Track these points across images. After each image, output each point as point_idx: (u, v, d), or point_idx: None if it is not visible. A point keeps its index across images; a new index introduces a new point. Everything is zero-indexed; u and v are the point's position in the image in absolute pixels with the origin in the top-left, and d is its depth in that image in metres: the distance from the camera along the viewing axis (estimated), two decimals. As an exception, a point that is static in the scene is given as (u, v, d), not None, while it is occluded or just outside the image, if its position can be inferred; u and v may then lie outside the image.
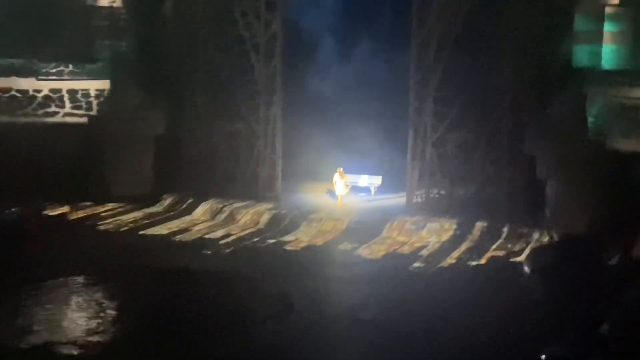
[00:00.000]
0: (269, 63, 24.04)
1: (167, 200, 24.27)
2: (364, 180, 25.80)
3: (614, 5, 19.90)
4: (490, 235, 20.83)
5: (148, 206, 23.84)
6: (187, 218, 23.04)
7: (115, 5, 24.35)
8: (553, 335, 13.23)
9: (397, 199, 24.58)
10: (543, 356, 12.23)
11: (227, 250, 19.90)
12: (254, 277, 17.35)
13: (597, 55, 20.24)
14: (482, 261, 18.93)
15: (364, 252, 19.89)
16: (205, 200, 23.98)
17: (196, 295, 16.02)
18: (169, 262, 18.37)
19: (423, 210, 22.85)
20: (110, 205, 23.62)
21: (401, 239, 21.01)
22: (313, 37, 26.84)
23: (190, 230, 21.77)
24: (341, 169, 24.62)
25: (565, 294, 14.95)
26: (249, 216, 22.92)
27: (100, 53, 24.36)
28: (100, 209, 23.34)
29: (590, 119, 20.44)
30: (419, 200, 23.42)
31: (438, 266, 18.65)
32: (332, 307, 15.57)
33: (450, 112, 22.74)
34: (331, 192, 25.14)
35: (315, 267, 18.46)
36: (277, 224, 22.39)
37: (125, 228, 21.74)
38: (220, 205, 23.62)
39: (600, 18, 20.19)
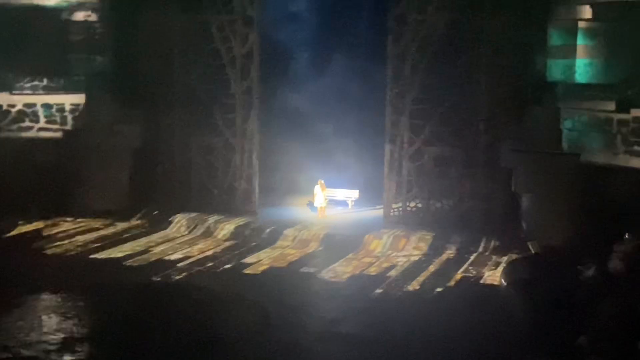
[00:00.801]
0: (245, 77, 24.03)
1: (141, 215, 24.10)
2: (341, 193, 25.84)
3: (587, 20, 20.14)
4: (465, 251, 20.88)
5: (122, 221, 23.65)
6: (155, 236, 22.45)
7: (90, 19, 24.25)
8: (531, 349, 13.27)
9: (375, 212, 24.64)
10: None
11: (178, 277, 18.54)
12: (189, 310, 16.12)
13: (571, 69, 20.47)
14: (452, 283, 18.27)
15: (327, 274, 18.90)
16: (181, 214, 23.84)
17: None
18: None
19: (400, 224, 22.91)
20: (78, 222, 23.36)
21: (367, 260, 20.23)
22: (290, 52, 26.87)
23: (150, 251, 20.71)
24: (322, 181, 24.72)
25: (542, 307, 14.99)
26: (224, 231, 22.81)
27: (75, 67, 24.24)
28: (66, 226, 23.02)
29: (564, 133, 20.66)
30: (396, 213, 23.49)
31: (403, 290, 17.69)
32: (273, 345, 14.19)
33: (427, 126, 22.86)
34: (311, 205, 25.19)
35: (270, 292, 17.24)
36: (253, 239, 22.28)
37: (76, 250, 20.76)
38: (196, 220, 23.51)
39: (573, 33, 20.43)
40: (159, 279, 18.30)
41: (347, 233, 22.37)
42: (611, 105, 19.37)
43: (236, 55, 23.98)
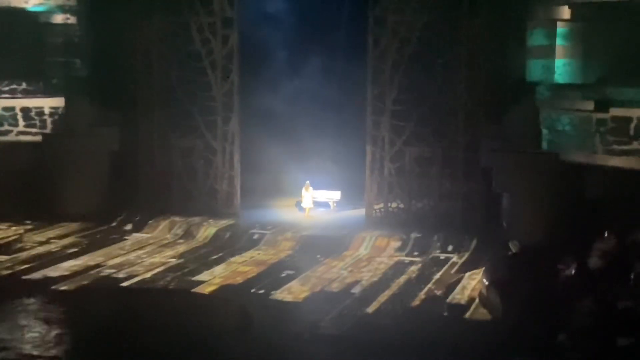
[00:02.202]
0: (226, 79, 23.98)
1: (121, 219, 24.00)
2: (323, 195, 25.84)
3: (566, 20, 20.27)
4: (445, 251, 20.99)
5: (102, 224, 23.52)
6: (127, 243, 22.04)
7: (69, 22, 24.14)
8: (511, 347, 13.34)
9: (357, 213, 24.67)
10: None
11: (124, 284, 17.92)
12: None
13: (550, 69, 20.60)
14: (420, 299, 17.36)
15: (281, 295, 17.43)
16: (161, 217, 23.77)
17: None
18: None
19: (381, 224, 22.95)
20: (57, 226, 23.19)
21: (330, 276, 18.84)
22: (270, 53, 26.83)
23: (104, 264, 19.70)
24: (308, 183, 24.85)
25: (522, 305, 15.05)
26: (204, 234, 22.74)
27: (54, 70, 24.12)
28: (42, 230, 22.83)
29: (544, 132, 20.79)
30: (378, 214, 23.54)
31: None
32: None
33: (408, 126, 22.93)
34: (299, 205, 25.32)
35: (199, 316, 16.17)
36: (232, 242, 22.19)
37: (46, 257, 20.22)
38: (176, 223, 23.44)
39: (552, 33, 20.56)
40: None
41: (329, 235, 22.36)
42: (590, 105, 19.51)
43: (216, 57, 23.92)
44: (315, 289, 17.74)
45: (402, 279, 18.73)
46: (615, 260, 15.19)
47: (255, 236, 22.35)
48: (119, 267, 19.43)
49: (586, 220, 17.87)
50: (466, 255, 20.55)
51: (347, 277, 18.78)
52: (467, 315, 16.04)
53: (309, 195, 24.93)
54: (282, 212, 25.24)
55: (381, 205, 23.57)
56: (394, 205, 23.46)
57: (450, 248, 21.08)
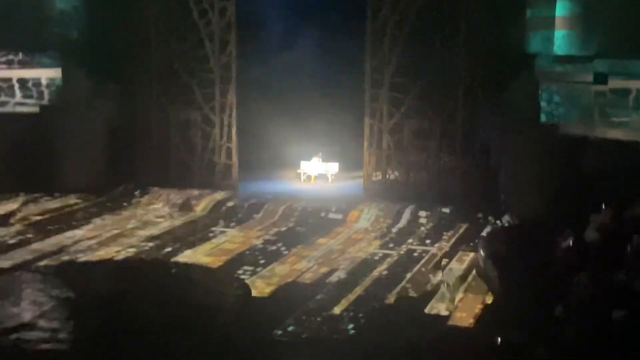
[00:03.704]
0: (223, 51, 23.85)
1: (119, 191, 23.96)
2: (320, 167, 25.84)
3: (566, -10, 20.17)
4: (442, 224, 20.99)
5: (100, 197, 23.48)
6: (124, 216, 22.01)
7: (66, -7, 23.98)
8: (507, 320, 13.36)
9: (354, 186, 24.68)
10: (498, 339, 12.34)
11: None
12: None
13: (550, 41, 20.48)
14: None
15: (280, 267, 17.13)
16: (159, 190, 23.76)
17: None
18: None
19: (379, 197, 22.96)
20: (54, 197, 23.07)
21: (300, 267, 17.34)
22: (269, 25, 26.68)
23: (101, 237, 19.48)
24: (320, 154, 25.41)
25: (518, 278, 15.08)
26: (201, 206, 22.72)
27: (50, 41, 23.92)
28: (40, 202, 22.70)
29: (543, 105, 20.71)
30: (376, 187, 23.54)
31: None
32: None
33: (406, 99, 22.85)
34: (302, 174, 25.68)
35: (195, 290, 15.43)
36: (230, 215, 22.19)
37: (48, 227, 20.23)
38: (174, 196, 23.42)
39: (552, 4, 20.42)
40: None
41: (327, 207, 22.33)
42: (589, 77, 19.42)
43: (214, 29, 23.77)
44: (317, 260, 17.82)
45: (399, 250, 18.77)
46: (613, 233, 15.18)
47: (254, 208, 22.36)
48: (116, 239, 19.43)
49: (584, 193, 17.86)
50: (464, 228, 20.57)
51: (347, 250, 18.81)
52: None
53: (316, 165, 25.37)
54: (281, 184, 25.26)
55: (379, 177, 23.57)
56: (392, 178, 23.46)
57: (447, 221, 21.11)
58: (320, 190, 24.59)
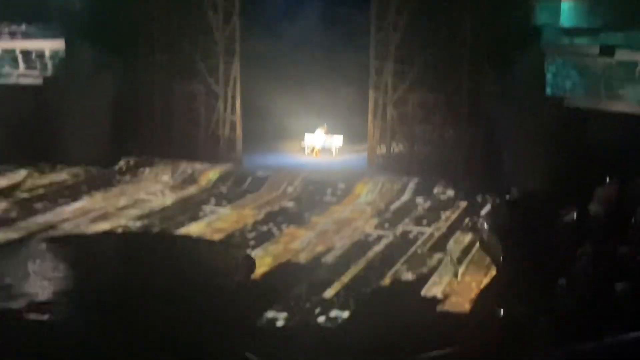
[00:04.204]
0: (227, 23, 23.68)
1: (123, 163, 23.97)
2: (325, 140, 25.75)
3: (573, -39, 19.94)
4: (446, 197, 20.95)
5: (104, 168, 23.50)
6: (128, 188, 22.06)
7: (69, -37, 23.80)
8: (511, 292, 13.37)
9: (358, 159, 24.62)
10: (501, 310, 12.35)
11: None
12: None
13: (556, 12, 20.28)
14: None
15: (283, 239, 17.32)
16: (163, 163, 23.74)
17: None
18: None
19: (384, 170, 22.90)
20: (58, 169, 23.17)
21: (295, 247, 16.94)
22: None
23: (105, 209, 19.59)
24: (325, 125, 25.20)
25: (522, 250, 15.07)
26: (206, 179, 22.71)
27: (54, 12, 23.78)
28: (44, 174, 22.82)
29: (548, 77, 20.55)
30: (380, 160, 23.46)
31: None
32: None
33: (411, 72, 22.69)
34: (308, 147, 25.54)
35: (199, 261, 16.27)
36: (234, 187, 22.20)
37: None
38: (177, 168, 23.41)
39: (560, -26, 20.24)
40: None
41: (331, 180, 22.28)
42: (595, 49, 19.24)
43: (218, 0, 23.58)
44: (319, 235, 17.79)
45: (402, 223, 18.72)
46: (616, 206, 15.12)
47: (257, 181, 22.33)
48: (120, 212, 19.46)
49: (588, 166, 17.77)
50: (467, 201, 20.52)
51: (351, 224, 18.79)
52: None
53: (320, 137, 25.28)
54: (285, 156, 25.18)
55: (384, 150, 23.48)
56: (396, 151, 23.37)
57: (451, 194, 21.05)
58: (324, 164, 24.47)
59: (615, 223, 14.45)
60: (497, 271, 15.00)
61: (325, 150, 25.67)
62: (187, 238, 17.61)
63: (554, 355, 7.00)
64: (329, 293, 14.09)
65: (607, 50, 18.97)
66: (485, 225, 17.45)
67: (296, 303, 13.57)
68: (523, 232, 15.85)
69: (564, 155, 19.23)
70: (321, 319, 12.94)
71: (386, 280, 14.86)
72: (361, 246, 16.99)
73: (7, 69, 23.82)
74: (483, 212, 19.17)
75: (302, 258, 16.15)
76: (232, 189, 21.90)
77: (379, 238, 17.62)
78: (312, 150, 25.48)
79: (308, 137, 25.60)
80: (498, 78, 21.42)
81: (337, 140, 25.72)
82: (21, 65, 23.91)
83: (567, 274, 13.32)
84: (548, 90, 20.56)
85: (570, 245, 14.30)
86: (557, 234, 15.27)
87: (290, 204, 20.55)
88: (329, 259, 16.15)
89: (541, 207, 17.09)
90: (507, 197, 19.04)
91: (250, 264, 15.75)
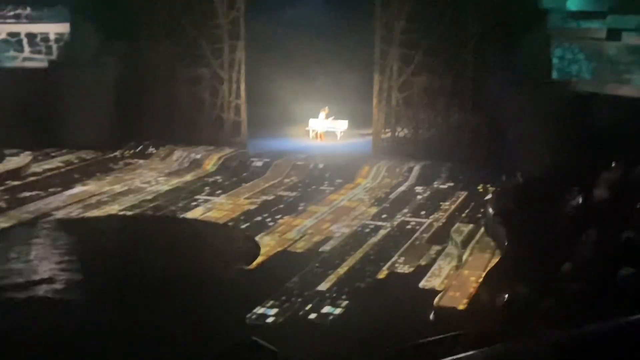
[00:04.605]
0: (232, 7, 23.61)
1: (127, 148, 23.98)
2: (330, 124, 25.73)
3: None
4: (452, 181, 20.91)
5: (109, 153, 23.53)
6: (132, 172, 22.18)
7: (73, -54, 23.72)
8: (515, 276, 13.35)
9: (363, 143, 24.59)
10: (505, 296, 12.34)
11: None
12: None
13: (563, -4, 20.20)
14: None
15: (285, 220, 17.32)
16: (167, 147, 23.78)
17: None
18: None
19: (388, 154, 22.87)
20: (63, 153, 23.19)
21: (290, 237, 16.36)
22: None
23: (109, 192, 19.59)
24: (327, 108, 25.17)
25: (527, 235, 15.05)
26: (211, 163, 22.70)
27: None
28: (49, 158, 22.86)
29: (554, 61, 20.46)
30: (385, 144, 23.43)
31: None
32: None
33: (416, 56, 22.61)
34: (311, 131, 25.59)
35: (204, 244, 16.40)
36: (239, 171, 22.18)
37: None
38: (182, 152, 23.42)
39: (566, -43, 20.09)
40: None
41: (336, 164, 22.27)
42: (602, 33, 19.14)
43: (222, -17, 23.54)
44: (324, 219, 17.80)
45: (406, 208, 18.71)
46: (622, 191, 15.08)
47: (262, 165, 22.32)
48: (124, 195, 19.49)
49: (594, 151, 17.71)
50: (462, 197, 20.46)
51: (356, 206, 18.80)
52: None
53: (324, 121, 25.31)
54: (290, 141, 25.16)
55: (388, 135, 23.45)
56: (401, 135, 23.33)
57: (456, 179, 21.03)
58: (328, 148, 24.42)
59: (620, 208, 14.41)
60: (502, 255, 14.97)
61: (330, 134, 25.65)
62: (191, 222, 17.60)
63: (558, 337, 7.00)
64: (330, 281, 13.83)
65: (614, 34, 18.86)
66: (490, 210, 17.41)
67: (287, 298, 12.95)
68: (528, 216, 15.82)
69: (570, 139, 19.16)
70: (316, 312, 12.43)
71: (383, 273, 14.29)
72: (364, 235, 16.62)
73: (11, 52, 23.79)
74: (487, 196, 19.11)
75: (300, 247, 15.75)
76: (236, 174, 21.85)
77: (381, 226, 17.44)
78: (317, 134, 25.46)
79: (312, 122, 25.60)
80: (503, 62, 21.31)
81: (342, 125, 25.71)
82: (26, 48, 23.90)
83: (572, 258, 13.30)
84: (554, 75, 20.47)
85: (575, 229, 14.28)
86: (562, 218, 15.24)
87: (291, 192, 20.33)
88: (327, 247, 15.75)
89: (546, 191, 17.05)
90: (512, 181, 18.99)
91: (255, 248, 15.76)
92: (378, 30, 22.77)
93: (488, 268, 14.24)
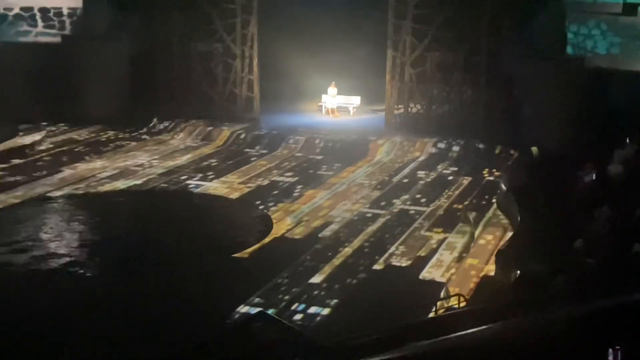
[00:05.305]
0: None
1: (140, 123, 24.02)
2: (342, 100, 25.66)
3: None
4: (465, 157, 20.88)
5: (122, 128, 23.56)
6: (146, 146, 22.21)
7: None
8: (528, 252, 13.36)
9: (376, 118, 24.55)
10: (518, 271, 12.36)
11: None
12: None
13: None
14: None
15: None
16: (180, 122, 23.78)
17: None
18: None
19: (401, 130, 22.81)
20: (75, 129, 23.27)
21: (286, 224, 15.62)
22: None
23: (123, 167, 19.64)
24: (334, 83, 25.00)
25: (540, 210, 15.04)
26: (223, 138, 22.73)
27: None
28: (61, 133, 22.92)
29: (569, 37, 20.30)
30: (398, 120, 23.37)
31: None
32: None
33: (429, 31, 22.47)
34: (322, 107, 25.49)
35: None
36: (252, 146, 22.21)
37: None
38: (196, 127, 23.44)
39: None
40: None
41: (349, 139, 22.22)
42: (618, 8, 18.96)
43: (235, -42, 23.43)
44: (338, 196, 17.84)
45: (417, 186, 18.73)
46: (635, 167, 15.02)
47: (275, 140, 22.32)
48: (138, 170, 19.55)
49: (608, 127, 17.62)
50: (485, 161, 20.44)
51: (365, 182, 18.82)
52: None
53: (337, 97, 25.19)
54: (303, 116, 25.12)
55: (401, 110, 23.37)
56: (414, 111, 23.25)
57: (469, 154, 20.98)
58: (341, 124, 24.35)
59: (634, 184, 14.35)
60: (515, 231, 14.97)
61: (343, 110, 25.58)
62: (200, 196, 17.68)
63: (570, 313, 7.02)
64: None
65: (630, 9, 18.68)
66: (503, 186, 17.40)
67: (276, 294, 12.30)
68: (541, 191, 15.80)
69: (584, 115, 19.07)
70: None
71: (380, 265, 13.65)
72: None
73: (25, 27, 23.81)
74: (500, 172, 19.08)
75: (298, 233, 15.23)
76: (248, 150, 21.88)
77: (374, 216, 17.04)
78: (329, 110, 25.39)
79: (325, 97, 25.53)
80: (518, 37, 21.16)
81: (355, 100, 25.64)
82: (39, 23, 23.90)
83: (585, 234, 13.29)
84: (569, 50, 20.32)
85: (588, 205, 14.25)
86: (575, 194, 15.20)
87: (308, 164, 20.49)
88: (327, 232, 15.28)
89: (559, 166, 17.01)
90: (526, 157, 18.94)
91: (268, 223, 15.80)
92: (391, 5, 22.62)
93: (500, 244, 14.26)
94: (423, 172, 19.74)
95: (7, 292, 12.24)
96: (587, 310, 6.93)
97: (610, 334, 6.23)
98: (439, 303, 10.29)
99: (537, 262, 12.83)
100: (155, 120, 24.03)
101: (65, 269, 13.16)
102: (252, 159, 20.96)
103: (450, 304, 10.28)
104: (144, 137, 23.14)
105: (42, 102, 23.03)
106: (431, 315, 10.51)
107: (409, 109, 23.25)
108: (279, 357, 6.34)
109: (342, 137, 22.45)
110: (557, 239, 13.50)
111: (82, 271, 13.19)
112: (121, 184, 18.28)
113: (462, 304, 10.24)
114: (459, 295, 10.22)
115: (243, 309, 11.54)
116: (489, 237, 15.00)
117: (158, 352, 9.65)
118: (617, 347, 5.89)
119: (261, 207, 16.78)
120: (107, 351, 10.22)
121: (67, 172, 19.19)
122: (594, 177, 15.22)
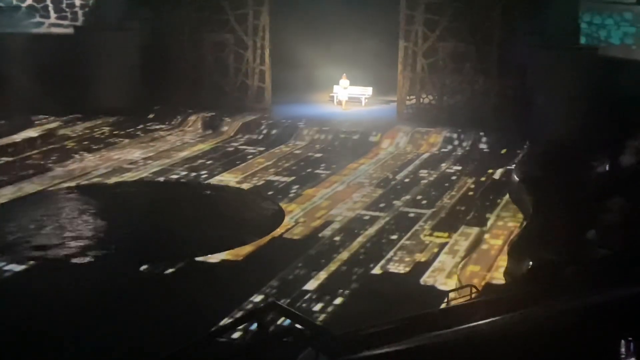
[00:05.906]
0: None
1: (153, 113, 24.09)
2: (354, 90, 25.62)
3: None
4: (476, 148, 20.83)
5: (134, 119, 23.62)
6: (158, 137, 22.18)
7: None
8: (541, 242, 13.35)
9: (388, 109, 24.51)
10: (530, 262, 12.36)
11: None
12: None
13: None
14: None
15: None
16: (192, 112, 23.81)
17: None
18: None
19: (413, 120, 22.78)
20: (90, 120, 23.34)
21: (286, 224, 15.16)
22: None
23: (136, 158, 19.64)
24: (345, 75, 24.88)
25: (552, 201, 15.01)
26: (234, 129, 22.75)
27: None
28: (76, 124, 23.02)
29: (582, 26, 20.21)
30: (410, 110, 23.33)
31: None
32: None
33: (441, 21, 22.41)
34: (334, 98, 25.44)
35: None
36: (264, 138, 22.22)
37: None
38: (207, 118, 23.47)
39: None
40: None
41: (361, 130, 22.19)
42: (631, -3, 18.90)
43: (246, -52, 23.41)
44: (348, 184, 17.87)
45: (432, 175, 18.71)
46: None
47: (287, 131, 22.34)
48: (150, 161, 19.61)
49: (621, 117, 17.54)
50: (497, 153, 20.39)
51: (377, 172, 18.83)
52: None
53: (349, 88, 25.06)
54: (314, 107, 25.11)
55: (413, 101, 23.34)
56: (425, 101, 23.21)
57: (482, 145, 20.94)
58: (353, 115, 24.30)
59: (647, 175, 14.33)
60: (527, 222, 14.96)
61: (355, 101, 25.55)
62: (212, 186, 17.73)
63: (582, 303, 7.04)
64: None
65: (644, -2, 18.62)
66: (516, 177, 17.38)
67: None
68: (553, 182, 15.77)
69: (597, 106, 18.98)
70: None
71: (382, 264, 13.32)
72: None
73: (38, 18, 23.88)
74: (514, 162, 19.04)
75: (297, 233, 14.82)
76: (258, 141, 21.89)
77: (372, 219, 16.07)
78: (340, 102, 25.34)
79: (337, 88, 25.50)
80: (530, 27, 21.06)
81: (367, 91, 25.62)
82: (52, 14, 23.96)
83: (597, 224, 13.27)
84: (582, 40, 20.22)
85: (600, 196, 14.22)
86: (588, 184, 15.18)
87: (317, 155, 20.50)
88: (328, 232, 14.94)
89: (571, 157, 16.97)
90: (539, 147, 18.90)
91: (281, 216, 15.83)
92: (403, -5, 22.57)
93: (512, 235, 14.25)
94: (425, 170, 19.33)
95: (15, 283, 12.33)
96: (599, 301, 6.94)
97: (622, 325, 6.24)
98: (451, 294, 10.29)
99: (550, 252, 12.82)
100: (166, 110, 24.05)
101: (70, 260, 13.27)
102: (261, 152, 20.99)
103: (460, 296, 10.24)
104: (155, 127, 23.16)
105: (54, 94, 23.06)
106: (443, 306, 10.54)
107: (421, 100, 23.21)
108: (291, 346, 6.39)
109: (353, 127, 22.42)
110: (569, 230, 13.48)
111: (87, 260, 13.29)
112: (134, 175, 18.34)
113: (473, 295, 10.24)
114: (470, 286, 10.21)
115: (240, 310, 11.11)
116: (492, 241, 14.23)
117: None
118: (630, 338, 5.89)
119: (275, 197, 16.83)
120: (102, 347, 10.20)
121: (80, 162, 19.29)
122: (606, 168, 15.20)
